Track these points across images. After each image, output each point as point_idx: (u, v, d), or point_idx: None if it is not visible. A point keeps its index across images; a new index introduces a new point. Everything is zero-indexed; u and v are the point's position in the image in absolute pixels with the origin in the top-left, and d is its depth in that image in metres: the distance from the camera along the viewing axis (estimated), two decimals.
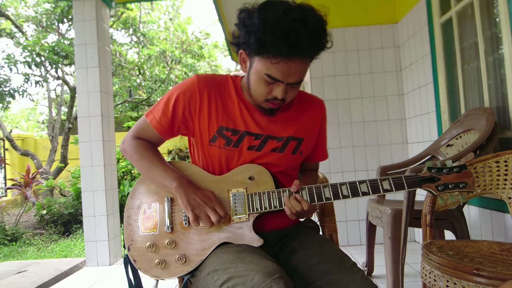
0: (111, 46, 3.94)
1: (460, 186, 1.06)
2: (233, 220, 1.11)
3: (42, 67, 7.46)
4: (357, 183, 1.07)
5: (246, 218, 1.10)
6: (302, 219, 1.31)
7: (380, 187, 1.06)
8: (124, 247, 1.17)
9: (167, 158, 8.94)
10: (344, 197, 1.07)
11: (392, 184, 1.06)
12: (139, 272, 1.16)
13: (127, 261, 1.16)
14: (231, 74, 1.22)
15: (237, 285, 0.90)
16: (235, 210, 1.11)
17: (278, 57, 1.00)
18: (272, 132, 1.18)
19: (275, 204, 1.09)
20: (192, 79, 1.17)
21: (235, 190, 1.13)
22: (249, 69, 1.11)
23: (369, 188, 1.06)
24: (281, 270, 0.93)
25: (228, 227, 1.11)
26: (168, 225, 1.13)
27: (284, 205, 1.08)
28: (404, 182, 1.06)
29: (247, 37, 1.03)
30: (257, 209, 1.10)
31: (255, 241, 1.08)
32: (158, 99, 9.56)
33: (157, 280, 1.20)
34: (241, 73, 1.27)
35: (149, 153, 1.19)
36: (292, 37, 0.97)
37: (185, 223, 1.12)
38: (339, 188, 1.08)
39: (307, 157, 1.29)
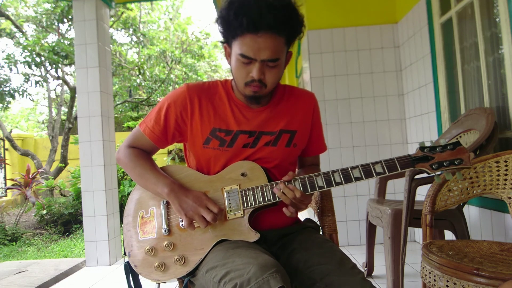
0: (111, 46, 3.94)
1: (456, 162, 1.03)
2: (228, 217, 1.12)
3: (42, 67, 7.46)
4: (349, 169, 1.06)
5: (241, 214, 1.11)
6: (302, 219, 1.31)
7: (373, 170, 1.05)
8: (124, 253, 1.18)
9: (167, 158, 8.95)
10: (337, 184, 1.06)
11: (384, 166, 1.05)
12: (140, 277, 1.17)
13: (127, 268, 1.17)
14: (231, 75, 1.24)
15: (234, 279, 0.90)
16: (230, 207, 1.12)
17: (245, 33, 1.04)
18: (265, 127, 1.19)
19: (269, 198, 1.10)
20: (182, 88, 1.20)
21: (229, 188, 1.14)
22: (230, 58, 1.14)
23: (362, 173, 1.05)
24: (278, 264, 0.93)
25: (224, 224, 1.11)
26: (165, 227, 1.14)
27: (279, 198, 1.08)
28: (397, 163, 1.05)
29: (219, 24, 1.09)
30: (251, 204, 1.11)
31: (252, 236, 1.09)
32: (158, 99, 9.59)
33: (159, 284, 1.20)
34: None
35: (142, 161, 1.21)
36: (253, 10, 1.01)
37: (182, 225, 1.13)
38: (331, 175, 1.07)
39: (305, 151, 1.30)
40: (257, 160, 1.16)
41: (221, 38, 1.17)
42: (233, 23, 1.04)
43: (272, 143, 1.19)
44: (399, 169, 1.05)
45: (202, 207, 1.09)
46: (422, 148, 1.07)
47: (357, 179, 1.06)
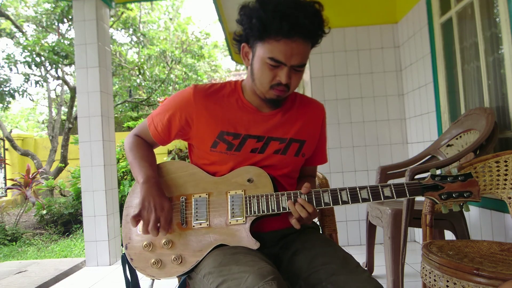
0: (111, 46, 3.94)
1: (465, 195, 1.03)
2: (230, 223, 1.10)
3: (42, 67, 7.46)
4: (358, 189, 1.06)
5: (243, 221, 1.09)
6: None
7: (381, 194, 1.05)
8: (122, 245, 1.17)
9: (167, 158, 8.94)
10: (344, 202, 1.05)
11: (393, 191, 1.05)
12: (136, 271, 1.16)
13: (124, 260, 1.16)
14: (231, 75, 1.23)
15: None
16: (233, 212, 1.10)
17: (279, 36, 1.03)
18: (274, 133, 1.18)
19: (273, 208, 1.08)
20: (189, 91, 1.18)
21: (233, 192, 1.12)
22: (251, 59, 1.12)
23: (370, 195, 1.05)
24: (275, 271, 0.92)
25: (225, 229, 1.10)
26: None
27: (288, 209, 1.07)
28: (406, 189, 1.05)
29: (249, 22, 1.06)
30: (254, 212, 1.09)
31: (252, 244, 1.07)
32: (158, 99, 9.59)
33: (153, 280, 1.19)
34: (241, 74, 1.27)
35: (139, 149, 1.22)
36: (291, 16, 1.01)
37: (182, 224, 1.12)
38: (338, 193, 1.06)
39: (307, 160, 1.29)
40: (266, 167, 1.15)
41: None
42: (269, 23, 1.02)
43: (281, 151, 1.18)
44: (407, 195, 1.05)
45: (156, 216, 1.05)
46: (433, 176, 1.06)
47: (364, 200, 1.05)
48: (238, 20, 1.12)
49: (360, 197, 1.05)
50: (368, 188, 1.05)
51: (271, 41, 1.04)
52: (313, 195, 1.07)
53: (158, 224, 1.06)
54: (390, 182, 1.08)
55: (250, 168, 1.14)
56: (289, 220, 1.09)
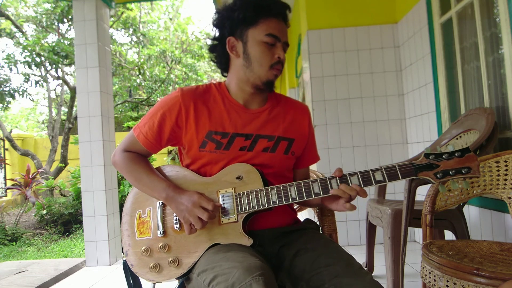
0: (111, 46, 3.94)
1: (463, 171, 0.96)
2: (222, 222, 1.10)
3: (42, 67, 7.46)
4: (348, 175, 1.04)
5: (235, 219, 1.10)
6: (302, 220, 1.31)
7: (372, 178, 1.02)
8: (122, 252, 1.19)
9: (167, 158, 8.94)
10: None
11: (385, 174, 1.02)
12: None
13: (126, 266, 1.18)
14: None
15: (220, 283, 0.91)
16: (225, 211, 1.11)
17: (271, 16, 1.15)
18: (261, 131, 1.20)
19: (263, 203, 1.08)
20: (176, 95, 1.20)
21: (224, 191, 1.13)
22: (243, 48, 1.17)
23: (360, 181, 1.03)
24: (263, 267, 0.92)
25: (218, 228, 1.11)
26: (160, 229, 1.14)
27: (278, 204, 1.07)
28: (398, 171, 1.01)
29: (242, 11, 1.15)
30: (245, 209, 1.09)
31: (245, 241, 1.08)
32: (158, 99, 9.58)
33: (154, 284, 1.20)
34: None
35: (137, 165, 1.21)
36: (269, 1, 1.17)
37: (176, 227, 1.13)
38: (328, 182, 1.06)
39: (299, 162, 1.31)
40: (256, 165, 1.15)
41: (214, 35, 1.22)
42: (262, 6, 1.14)
43: (270, 149, 1.19)
44: (400, 177, 1.01)
45: (196, 207, 1.07)
46: (427, 155, 1.00)
47: None
48: (216, 23, 1.21)
49: (350, 184, 1.04)
50: (359, 174, 1.04)
51: (266, 21, 1.14)
52: (303, 185, 1.07)
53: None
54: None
55: (239, 166, 1.15)
56: (337, 207, 1.11)
